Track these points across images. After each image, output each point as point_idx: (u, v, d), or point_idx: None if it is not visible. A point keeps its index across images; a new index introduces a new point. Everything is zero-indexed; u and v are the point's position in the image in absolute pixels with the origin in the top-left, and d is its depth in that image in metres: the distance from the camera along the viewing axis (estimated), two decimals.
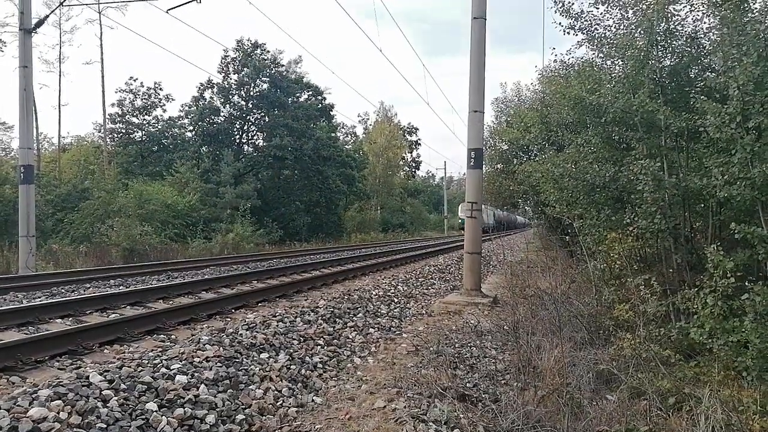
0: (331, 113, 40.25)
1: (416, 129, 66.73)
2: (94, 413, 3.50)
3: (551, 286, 8.37)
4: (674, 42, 7.06)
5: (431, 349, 6.13)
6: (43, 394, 3.56)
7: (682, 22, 7.07)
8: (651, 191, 6.08)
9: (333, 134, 40.70)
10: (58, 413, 3.43)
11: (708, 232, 6.54)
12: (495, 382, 5.09)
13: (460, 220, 49.20)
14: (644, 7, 6.98)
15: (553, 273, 9.79)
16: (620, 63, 7.55)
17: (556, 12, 7.86)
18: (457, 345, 6.44)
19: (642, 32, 6.88)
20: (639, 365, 5.00)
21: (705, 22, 7.00)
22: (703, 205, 6.59)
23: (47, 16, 16.96)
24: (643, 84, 6.81)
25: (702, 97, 5.56)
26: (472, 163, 10.10)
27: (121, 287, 9.74)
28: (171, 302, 8.23)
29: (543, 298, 7.51)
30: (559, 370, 4.90)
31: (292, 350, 5.59)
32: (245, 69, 34.00)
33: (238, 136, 35.91)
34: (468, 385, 4.95)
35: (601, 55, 8.19)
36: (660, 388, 4.56)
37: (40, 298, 8.45)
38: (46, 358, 5.05)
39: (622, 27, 7.54)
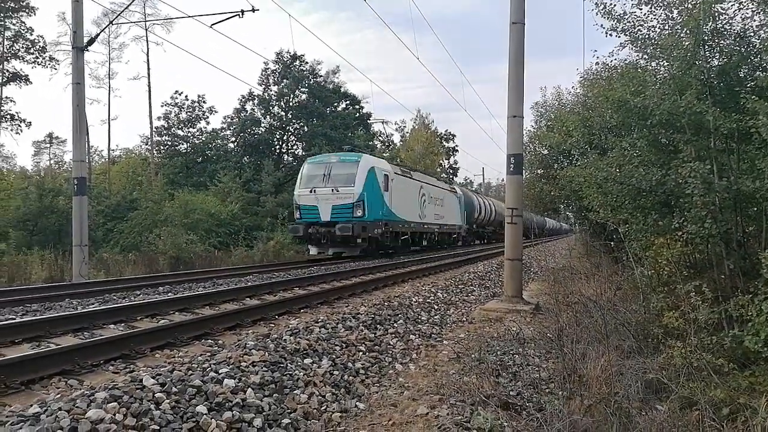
0: (369, 121, 40.57)
1: (453, 135, 66.34)
2: (148, 415, 3.63)
3: (596, 293, 8.18)
4: (722, 41, 6.85)
5: (473, 356, 6.09)
6: (100, 397, 3.72)
7: (731, 21, 6.86)
8: (701, 195, 5.90)
9: (370, 142, 40.96)
10: (114, 415, 3.57)
11: (762, 236, 6.28)
12: (539, 391, 5.01)
13: (296, 217, 19.39)
14: (690, 6, 6.80)
15: (598, 279, 9.56)
16: (666, 64, 7.36)
17: (597, 14, 7.74)
18: (499, 352, 6.37)
19: (688, 32, 6.70)
20: (690, 374, 4.84)
21: (755, 20, 6.78)
22: (756, 209, 6.36)
23: (98, 35, 17.73)
24: (691, 85, 6.62)
25: (753, 97, 5.38)
26: (511, 169, 10.01)
27: (169, 294, 10.04)
28: (217, 308, 8.43)
29: (587, 305, 7.35)
30: (606, 379, 4.79)
31: (334, 356, 5.65)
32: (285, 80, 34.69)
33: (278, 146, 36.60)
34: (511, 393, 4.90)
35: (645, 56, 8.02)
36: (713, 398, 4.40)
37: (93, 304, 8.78)
38: (101, 361, 5.25)
39: (666, 27, 7.36)
